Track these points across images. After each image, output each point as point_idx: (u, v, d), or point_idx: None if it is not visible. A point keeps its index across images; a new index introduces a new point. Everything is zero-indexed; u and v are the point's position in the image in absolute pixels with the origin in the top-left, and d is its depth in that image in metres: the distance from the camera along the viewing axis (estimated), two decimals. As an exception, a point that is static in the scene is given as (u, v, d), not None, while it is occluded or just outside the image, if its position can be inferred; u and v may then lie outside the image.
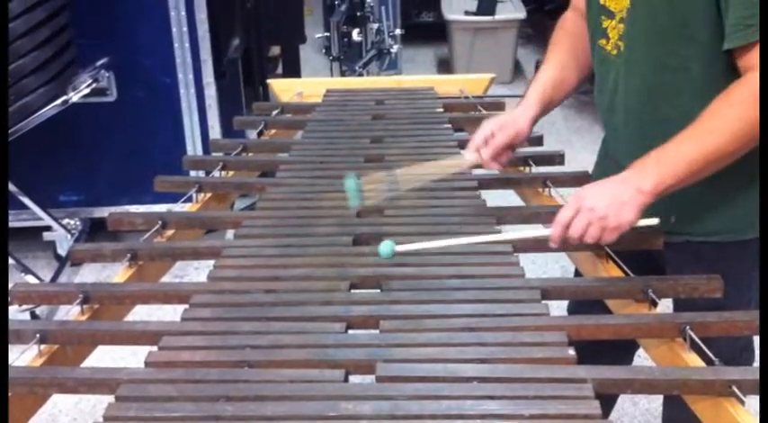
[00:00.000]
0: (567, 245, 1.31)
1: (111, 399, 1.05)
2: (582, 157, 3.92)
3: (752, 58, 1.24)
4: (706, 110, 1.24)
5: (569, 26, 1.63)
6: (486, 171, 1.74)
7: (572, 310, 1.70)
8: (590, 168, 1.72)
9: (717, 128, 1.23)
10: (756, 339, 1.56)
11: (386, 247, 1.36)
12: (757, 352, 1.61)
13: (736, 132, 1.21)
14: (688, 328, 1.18)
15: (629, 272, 1.37)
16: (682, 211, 1.42)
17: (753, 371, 1.10)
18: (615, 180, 1.27)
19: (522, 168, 1.81)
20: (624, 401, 2.37)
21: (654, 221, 1.29)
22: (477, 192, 1.65)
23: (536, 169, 1.79)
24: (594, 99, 1.57)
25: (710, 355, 1.14)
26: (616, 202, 1.23)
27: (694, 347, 1.17)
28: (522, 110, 1.55)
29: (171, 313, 1.30)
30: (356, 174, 1.51)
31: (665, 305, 1.47)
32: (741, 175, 1.36)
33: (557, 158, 1.84)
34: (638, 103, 1.42)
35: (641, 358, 1.64)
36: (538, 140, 1.97)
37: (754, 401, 1.07)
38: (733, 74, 1.29)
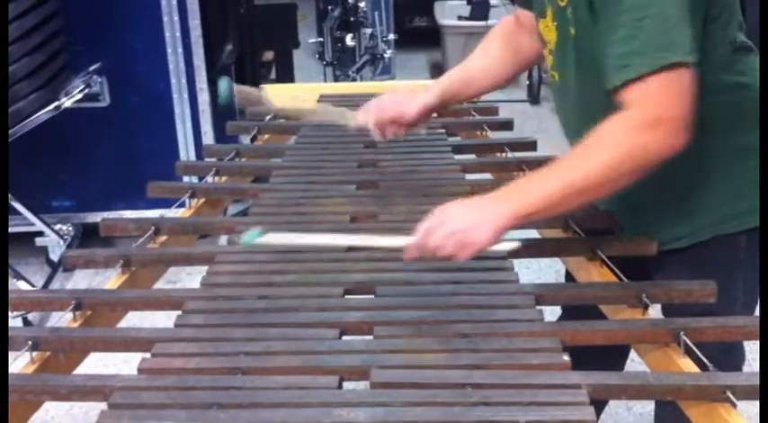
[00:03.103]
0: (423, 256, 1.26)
1: (103, 406, 1.04)
2: (575, 161, 3.94)
3: (624, 96, 1.20)
4: (578, 146, 1.24)
5: (502, 32, 1.65)
6: (478, 176, 1.75)
7: (565, 315, 1.70)
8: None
9: (577, 165, 1.21)
10: (747, 344, 1.57)
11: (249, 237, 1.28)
12: (750, 354, 1.62)
13: (590, 172, 1.19)
14: (682, 333, 1.18)
15: (623, 277, 1.38)
16: (635, 223, 1.46)
17: (747, 376, 1.10)
18: (481, 199, 1.25)
19: (515, 173, 1.81)
20: (618, 406, 2.37)
21: (512, 245, 1.25)
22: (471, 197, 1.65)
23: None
24: None
25: (705, 360, 1.14)
26: (474, 221, 1.20)
27: (688, 353, 1.17)
28: (419, 94, 1.60)
29: (164, 320, 1.30)
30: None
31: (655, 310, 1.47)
32: (689, 180, 1.38)
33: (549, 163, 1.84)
34: (576, 129, 1.42)
35: (635, 363, 1.64)
36: (531, 145, 1.97)
37: (746, 406, 1.07)
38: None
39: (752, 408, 1.10)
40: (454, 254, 1.20)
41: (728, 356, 1.53)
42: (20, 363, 1.19)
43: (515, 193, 1.24)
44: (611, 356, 1.63)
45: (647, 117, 1.18)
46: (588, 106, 1.37)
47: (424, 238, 1.21)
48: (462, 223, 1.20)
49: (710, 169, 1.38)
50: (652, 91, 1.18)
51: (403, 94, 1.61)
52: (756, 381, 1.07)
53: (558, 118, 1.55)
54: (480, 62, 1.64)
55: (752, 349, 1.62)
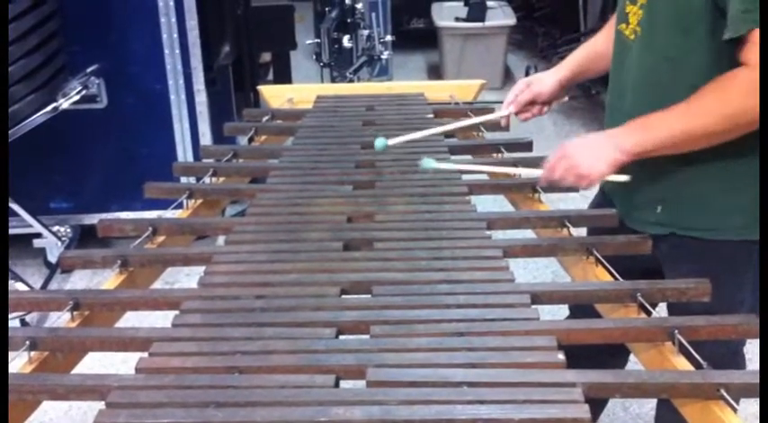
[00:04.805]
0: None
1: (101, 405, 1.05)
2: (572, 162, 3.95)
3: (745, 52, 1.26)
4: (698, 91, 1.30)
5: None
6: (475, 177, 1.75)
7: (572, 314, 1.72)
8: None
9: (703, 108, 1.29)
10: (747, 344, 1.58)
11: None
12: (748, 356, 1.63)
13: (719, 116, 1.27)
14: (676, 331, 1.19)
15: (617, 276, 1.38)
16: (668, 202, 1.46)
17: (740, 374, 1.11)
18: (599, 135, 1.40)
19: (511, 174, 1.82)
20: (615, 406, 2.38)
21: (624, 178, 1.38)
22: (468, 197, 1.66)
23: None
24: (609, 82, 1.61)
25: (699, 358, 1.15)
26: (592, 154, 1.35)
27: (683, 351, 1.18)
28: (551, 71, 1.74)
29: (161, 320, 1.30)
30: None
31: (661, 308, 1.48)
32: (730, 176, 1.39)
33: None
34: (644, 89, 1.46)
35: (631, 363, 1.64)
36: (527, 146, 1.98)
37: (743, 405, 1.08)
38: (728, 66, 1.31)
39: (747, 406, 1.11)
40: (575, 183, 1.37)
41: (736, 360, 1.54)
42: (18, 363, 1.20)
43: (633, 131, 1.36)
44: (610, 356, 1.64)
45: (755, 76, 1.24)
46: (671, 61, 1.40)
47: (550, 172, 1.39)
48: (581, 158, 1.36)
49: (740, 171, 1.39)
50: (755, 49, 1.25)
51: (531, 76, 1.79)
52: (750, 379, 1.08)
53: (618, 78, 1.55)
54: (598, 44, 1.71)
55: (748, 349, 1.63)
